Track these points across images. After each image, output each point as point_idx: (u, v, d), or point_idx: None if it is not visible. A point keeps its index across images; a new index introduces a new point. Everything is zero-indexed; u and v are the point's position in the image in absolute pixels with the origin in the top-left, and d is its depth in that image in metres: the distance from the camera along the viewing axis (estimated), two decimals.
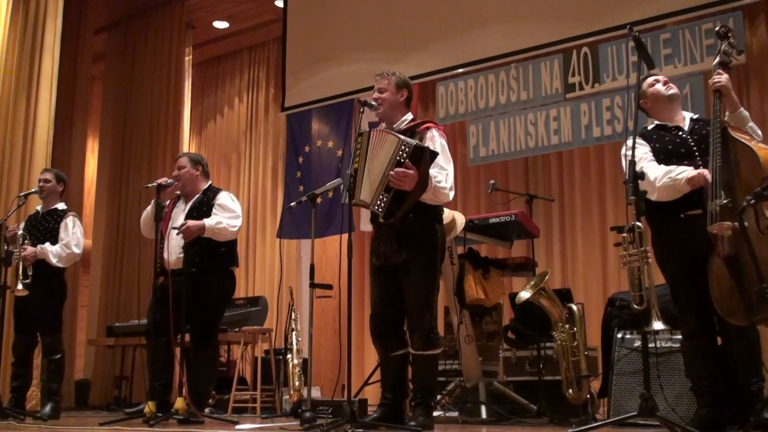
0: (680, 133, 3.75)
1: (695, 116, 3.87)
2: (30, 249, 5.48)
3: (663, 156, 3.73)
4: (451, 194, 3.87)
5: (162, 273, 4.94)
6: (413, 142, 3.71)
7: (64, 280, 5.74)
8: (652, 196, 3.70)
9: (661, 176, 3.62)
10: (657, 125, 3.88)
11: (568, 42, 6.45)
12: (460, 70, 7.05)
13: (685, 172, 3.57)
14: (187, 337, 4.86)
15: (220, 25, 9.65)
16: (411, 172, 3.64)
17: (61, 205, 5.81)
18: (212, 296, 5.02)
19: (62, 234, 5.62)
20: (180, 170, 5.14)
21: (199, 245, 4.92)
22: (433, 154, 3.76)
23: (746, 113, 3.64)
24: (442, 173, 3.81)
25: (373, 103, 4.00)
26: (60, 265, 5.58)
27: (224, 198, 5.15)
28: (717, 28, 3.74)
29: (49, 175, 5.82)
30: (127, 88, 9.40)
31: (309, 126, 8.25)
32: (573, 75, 6.42)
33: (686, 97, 5.81)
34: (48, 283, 5.56)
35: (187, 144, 9.46)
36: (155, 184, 5.00)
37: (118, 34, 9.79)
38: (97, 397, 8.40)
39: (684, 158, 3.64)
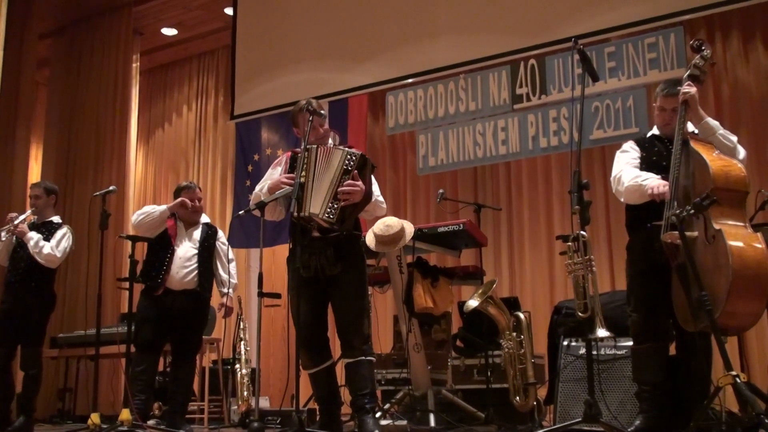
0: (670, 146, 3.67)
1: (697, 131, 3.83)
2: (24, 226, 5.51)
3: (646, 166, 3.81)
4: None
5: (156, 287, 5.04)
6: (358, 152, 3.89)
7: (54, 292, 5.71)
8: (621, 198, 3.81)
9: (630, 179, 3.72)
10: (653, 135, 3.94)
11: (515, 54, 6.54)
12: (410, 80, 7.08)
13: (651, 179, 3.65)
14: None
15: (169, 32, 9.51)
16: (359, 183, 3.81)
17: (56, 218, 5.78)
18: (206, 313, 5.37)
19: (52, 240, 5.56)
20: (199, 201, 5.51)
21: (205, 268, 5.25)
22: (373, 167, 3.97)
23: (713, 123, 3.65)
24: (377, 189, 4.09)
25: (322, 112, 4.12)
26: (39, 258, 5.45)
27: (223, 238, 5.56)
28: (691, 42, 3.80)
29: (38, 191, 5.74)
30: (72, 95, 9.22)
31: (258, 134, 8.20)
32: (520, 86, 6.51)
33: (629, 110, 5.95)
34: (39, 294, 5.53)
35: (134, 152, 9.28)
36: (103, 192, 4.99)
37: (64, 39, 9.59)
38: (40, 410, 8.16)
39: (665, 171, 3.64)
